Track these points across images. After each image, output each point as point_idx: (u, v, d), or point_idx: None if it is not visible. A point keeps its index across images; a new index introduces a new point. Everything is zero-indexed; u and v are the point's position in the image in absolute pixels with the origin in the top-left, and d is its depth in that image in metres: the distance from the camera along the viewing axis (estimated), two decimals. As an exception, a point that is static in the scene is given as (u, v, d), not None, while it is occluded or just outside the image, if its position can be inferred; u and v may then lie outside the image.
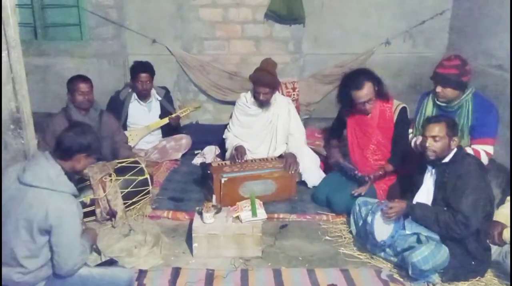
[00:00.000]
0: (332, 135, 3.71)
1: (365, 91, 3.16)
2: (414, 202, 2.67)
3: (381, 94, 3.25)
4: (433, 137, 2.56)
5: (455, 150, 2.60)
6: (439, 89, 2.96)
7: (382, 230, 2.65)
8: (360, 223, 2.87)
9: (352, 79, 3.21)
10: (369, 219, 2.69)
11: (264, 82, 3.61)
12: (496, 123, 2.98)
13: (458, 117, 2.97)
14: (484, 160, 2.89)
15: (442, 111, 3.05)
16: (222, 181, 3.23)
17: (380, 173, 3.22)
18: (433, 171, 2.67)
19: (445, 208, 2.55)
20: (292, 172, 3.43)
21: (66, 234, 2.09)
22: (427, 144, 2.59)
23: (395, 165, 3.23)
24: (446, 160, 2.61)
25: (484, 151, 2.92)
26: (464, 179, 2.50)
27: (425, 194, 2.70)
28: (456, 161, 2.58)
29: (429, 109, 3.13)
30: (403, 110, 3.26)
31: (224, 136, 3.91)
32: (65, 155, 2.19)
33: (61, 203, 2.07)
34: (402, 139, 3.22)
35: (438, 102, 3.05)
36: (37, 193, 2.06)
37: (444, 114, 2.81)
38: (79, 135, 2.21)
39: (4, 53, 2.42)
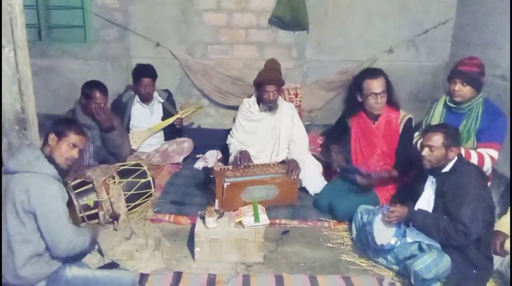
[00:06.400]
0: (331, 140, 3.63)
1: (380, 82, 3.17)
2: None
3: (392, 101, 3.26)
4: (429, 147, 2.58)
5: (456, 159, 2.60)
6: (458, 87, 2.97)
7: (382, 233, 2.65)
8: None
9: (369, 70, 3.28)
10: (370, 219, 2.69)
11: (273, 80, 3.62)
12: (503, 130, 2.99)
13: (466, 119, 2.99)
14: (488, 164, 2.90)
15: (452, 114, 3.06)
16: (225, 186, 3.23)
17: (384, 173, 3.22)
18: (434, 180, 2.67)
19: (445, 216, 2.54)
20: (294, 177, 3.43)
21: (51, 213, 2.10)
22: (423, 153, 2.62)
23: (399, 173, 3.24)
24: (446, 169, 2.61)
25: (488, 154, 2.93)
26: (464, 188, 2.50)
27: (425, 203, 2.70)
28: (456, 170, 2.58)
29: (438, 111, 3.16)
30: (409, 121, 3.27)
31: (227, 142, 3.91)
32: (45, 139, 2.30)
33: (41, 183, 2.11)
34: (406, 151, 3.21)
35: (449, 104, 3.06)
36: (19, 177, 2.10)
37: (447, 123, 2.81)
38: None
39: (11, 54, 2.43)
